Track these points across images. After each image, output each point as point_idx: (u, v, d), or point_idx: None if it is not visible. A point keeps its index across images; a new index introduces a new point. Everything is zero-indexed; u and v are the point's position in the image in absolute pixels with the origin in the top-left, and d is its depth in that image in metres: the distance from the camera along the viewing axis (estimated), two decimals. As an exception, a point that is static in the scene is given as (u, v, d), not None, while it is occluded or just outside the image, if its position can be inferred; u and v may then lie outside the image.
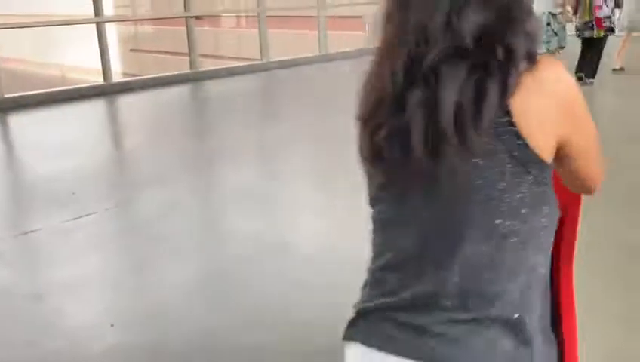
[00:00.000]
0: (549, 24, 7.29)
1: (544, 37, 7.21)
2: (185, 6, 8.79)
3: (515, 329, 0.93)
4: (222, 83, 8.83)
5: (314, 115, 6.54)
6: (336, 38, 13.03)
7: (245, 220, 3.72)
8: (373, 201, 1.04)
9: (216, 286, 2.92)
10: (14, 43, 16.23)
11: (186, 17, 8.85)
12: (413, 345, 0.93)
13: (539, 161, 0.90)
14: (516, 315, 0.93)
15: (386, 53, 0.96)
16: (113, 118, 7.59)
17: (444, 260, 0.93)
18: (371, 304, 1.00)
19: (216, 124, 6.51)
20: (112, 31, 22.34)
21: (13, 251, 3.41)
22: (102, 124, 7.00)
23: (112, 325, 2.46)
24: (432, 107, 0.88)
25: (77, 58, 19.78)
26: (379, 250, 1.02)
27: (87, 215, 3.79)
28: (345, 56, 11.04)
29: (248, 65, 10.06)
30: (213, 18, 20.68)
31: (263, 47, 9.72)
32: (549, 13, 7.24)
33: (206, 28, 20.90)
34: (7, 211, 4.14)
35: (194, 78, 8.85)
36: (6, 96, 7.13)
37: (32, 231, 3.62)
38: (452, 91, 0.87)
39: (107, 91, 7.91)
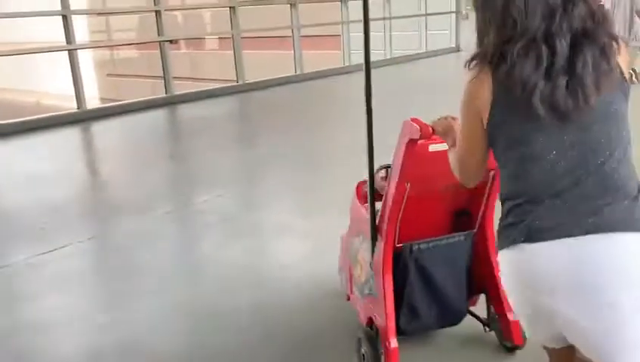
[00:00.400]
0: None
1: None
2: (158, 30, 8.75)
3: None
4: (198, 106, 8.78)
5: (288, 138, 6.52)
6: (313, 57, 13.10)
7: (221, 248, 3.66)
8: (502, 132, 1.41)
9: (190, 320, 2.85)
10: (-13, 72, 16.03)
11: (160, 41, 8.81)
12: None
13: (628, 94, 1.39)
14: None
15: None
16: (87, 145, 7.48)
17: (596, 169, 1.34)
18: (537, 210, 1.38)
19: (191, 148, 6.45)
20: (88, 56, 22.26)
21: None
22: (75, 153, 6.89)
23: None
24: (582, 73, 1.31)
25: (52, 85, 19.62)
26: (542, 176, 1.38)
27: (60, 248, 3.70)
28: (320, 75, 11.11)
29: (224, 87, 10.02)
30: (190, 40, 20.64)
31: (239, 69, 9.71)
32: None
33: (183, 51, 20.90)
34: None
35: (170, 102, 8.79)
36: (-25, 125, 6.99)
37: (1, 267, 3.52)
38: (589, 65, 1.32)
39: (81, 118, 7.81)
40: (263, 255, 3.60)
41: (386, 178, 2.25)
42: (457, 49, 13.89)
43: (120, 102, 9.13)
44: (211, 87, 10.01)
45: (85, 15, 18.01)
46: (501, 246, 1.45)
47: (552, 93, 1.31)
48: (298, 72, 10.74)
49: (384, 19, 12.81)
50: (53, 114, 8.44)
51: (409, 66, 12.31)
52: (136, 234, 3.96)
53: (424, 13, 13.74)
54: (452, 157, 1.61)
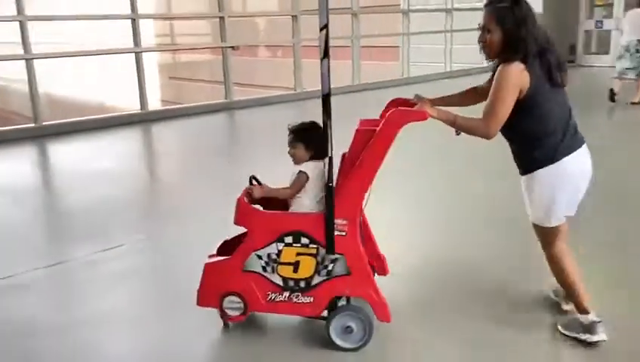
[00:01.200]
0: (637, 51, 8.18)
1: (634, 63, 8.18)
2: (221, 36, 8.91)
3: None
4: (255, 112, 8.88)
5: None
6: (370, 68, 13.05)
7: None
8: (536, 100, 2.41)
9: (244, 328, 2.83)
10: (57, 71, 16.74)
11: (222, 47, 8.96)
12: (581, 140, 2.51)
13: None
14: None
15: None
16: (148, 146, 7.66)
17: (572, 116, 2.50)
18: (565, 143, 2.45)
19: (247, 152, 6.51)
20: (153, 59, 22.93)
21: (41, 282, 3.39)
22: (136, 153, 7.07)
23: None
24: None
25: (117, 86, 20.32)
26: (558, 118, 2.48)
27: (118, 246, 3.77)
28: (378, 86, 11.05)
29: (282, 94, 10.11)
30: (252, 47, 20.96)
31: (297, 77, 9.77)
32: (637, 40, 8.17)
33: (245, 57, 21.24)
34: (38, 241, 4.15)
35: (228, 107, 8.93)
36: (45, 123, 7.28)
37: (60, 263, 3.61)
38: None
39: (143, 119, 8.03)
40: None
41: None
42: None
43: (181, 106, 9.35)
44: (269, 95, 10.11)
45: (151, 20, 18.56)
46: (544, 164, 2.46)
47: (556, 77, 2.44)
48: (356, 82, 10.73)
49: (445, 32, 12.65)
50: (117, 114, 8.74)
51: (468, 80, 12.08)
52: (191, 237, 3.99)
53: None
54: (472, 123, 2.44)
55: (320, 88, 2.47)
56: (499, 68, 2.39)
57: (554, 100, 2.43)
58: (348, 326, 2.52)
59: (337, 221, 2.43)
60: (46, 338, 2.77)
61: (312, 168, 2.62)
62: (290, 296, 2.53)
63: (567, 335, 2.56)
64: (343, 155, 2.56)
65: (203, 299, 2.65)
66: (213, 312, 2.69)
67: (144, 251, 3.82)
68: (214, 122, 8.44)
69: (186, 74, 22.57)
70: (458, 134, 2.52)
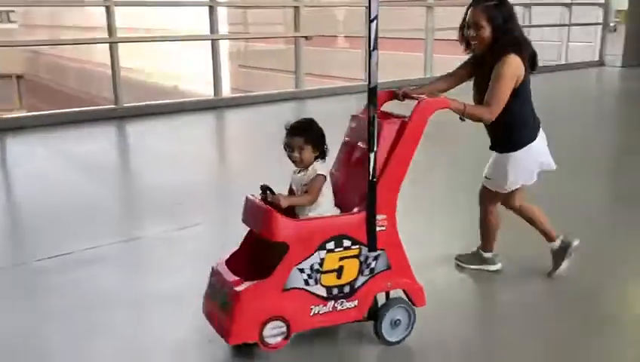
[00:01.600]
0: None
1: None
2: (295, 26, 8.98)
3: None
4: (325, 102, 8.92)
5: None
6: (444, 62, 12.79)
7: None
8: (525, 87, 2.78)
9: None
10: (137, 55, 17.38)
11: (296, 37, 9.04)
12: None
13: None
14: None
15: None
16: (220, 131, 7.86)
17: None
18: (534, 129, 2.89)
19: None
20: (223, 47, 23.39)
21: (118, 257, 3.55)
22: (210, 137, 7.26)
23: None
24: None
25: (190, 71, 20.90)
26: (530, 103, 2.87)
27: (191, 226, 3.90)
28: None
29: (353, 85, 10.10)
30: (323, 38, 20.99)
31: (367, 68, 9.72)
32: None
33: (315, 48, 21.34)
34: (116, 217, 4.34)
35: (298, 97, 9.00)
36: (125, 105, 7.58)
37: (137, 239, 3.77)
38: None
39: (217, 105, 8.22)
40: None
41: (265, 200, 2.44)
42: (601, 63, 12.97)
43: (252, 93, 9.51)
44: (339, 85, 10.13)
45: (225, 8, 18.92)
46: (520, 147, 2.84)
47: (534, 66, 2.81)
48: (428, 75, 10.58)
49: (523, 26, 12.24)
50: (191, 99, 8.99)
51: (546, 77, 11.69)
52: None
53: (568, 23, 12.97)
54: (480, 110, 2.71)
55: (388, 80, 2.50)
56: (502, 59, 2.66)
57: (530, 86, 2.81)
58: (397, 320, 2.51)
59: (377, 217, 2.38)
60: (115, 312, 2.89)
61: (325, 170, 2.55)
62: (334, 304, 2.39)
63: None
64: (346, 143, 2.64)
65: (238, 334, 2.29)
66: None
67: (218, 231, 3.93)
68: (284, 110, 8.53)
69: (256, 63, 22.90)
70: (463, 120, 2.66)
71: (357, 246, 2.37)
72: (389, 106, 2.75)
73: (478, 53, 2.80)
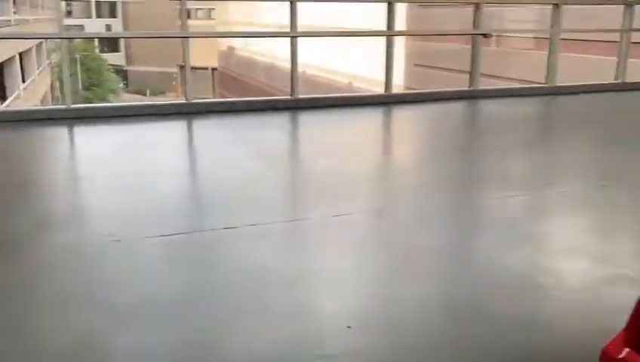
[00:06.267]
0: None
1: None
2: (474, 23, 8.71)
3: None
4: (500, 102, 8.56)
5: (590, 147, 5.91)
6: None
7: (500, 251, 3.50)
8: None
9: (455, 312, 2.79)
10: (312, 51, 18.18)
11: (473, 35, 8.76)
12: None
13: None
14: None
15: None
16: (387, 126, 7.90)
17: None
18: None
19: (484, 144, 6.32)
20: (400, 46, 23.51)
21: (277, 234, 3.75)
22: (376, 132, 7.36)
23: (348, 327, 2.52)
24: None
25: (363, 69, 21.32)
26: None
27: (348, 214, 4.00)
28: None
29: (531, 87, 9.56)
30: (499, 38, 20.12)
31: (550, 71, 9.12)
32: None
33: (491, 48, 20.56)
34: (283, 200, 4.59)
35: (471, 96, 8.73)
36: (299, 97, 7.97)
37: (298, 220, 3.96)
38: None
39: (386, 101, 8.28)
40: (547, 269, 3.32)
41: None
42: None
43: (421, 91, 9.43)
44: (516, 86, 9.65)
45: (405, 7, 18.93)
46: None
47: None
48: (619, 80, 9.63)
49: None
50: (361, 94, 9.16)
51: None
52: (420, 216, 4.04)
53: None
54: None
55: (574, 84, 2.22)
56: None
57: None
58: None
59: None
60: (274, 291, 3.05)
61: None
62: None
63: None
64: None
65: None
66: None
67: (374, 222, 3.98)
68: (454, 109, 8.34)
69: (432, 62, 22.64)
70: None
71: None
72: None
73: None
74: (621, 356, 1.75)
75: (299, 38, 7.80)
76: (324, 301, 2.91)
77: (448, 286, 3.06)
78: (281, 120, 7.51)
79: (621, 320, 2.59)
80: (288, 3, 7.68)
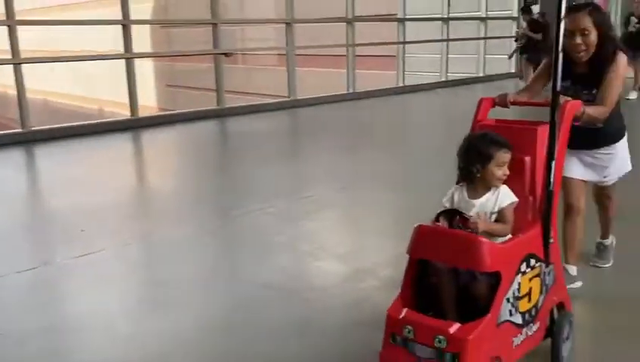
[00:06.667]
0: None
1: None
2: (214, 42, 8.85)
3: None
4: (248, 119, 8.82)
5: (329, 155, 6.43)
6: (367, 77, 12.99)
7: (255, 264, 3.55)
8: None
9: (218, 338, 2.73)
10: (49, 76, 16.70)
11: (215, 54, 8.90)
12: None
13: None
14: None
15: None
16: (136, 152, 7.57)
17: None
18: None
19: (235, 161, 6.44)
20: (149, 67, 22.91)
21: (18, 287, 3.30)
22: (123, 159, 6.97)
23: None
24: None
25: (113, 93, 20.32)
26: None
27: (97, 251, 3.68)
28: (373, 94, 10.99)
29: (275, 102, 10.05)
30: (247, 56, 20.90)
31: (291, 85, 9.71)
32: None
33: (240, 65, 21.25)
34: (17, 244, 4.05)
35: (220, 114, 8.85)
36: (33, 129, 7.20)
37: (36, 268, 3.52)
38: None
39: (133, 126, 7.94)
40: (297, 275, 3.45)
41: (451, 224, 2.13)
42: (519, 76, 13.47)
43: (170, 112, 9.28)
44: (262, 102, 10.05)
45: (149, 28, 18.54)
46: (624, 132, 2.95)
47: None
48: (351, 91, 10.67)
49: (442, 40, 12.61)
50: (106, 120, 8.65)
51: (463, 89, 12.05)
52: (172, 243, 3.91)
53: (484, 36, 13.43)
54: (599, 110, 2.64)
55: (312, 96, 2.36)
56: (615, 60, 2.67)
57: None
58: (568, 333, 2.36)
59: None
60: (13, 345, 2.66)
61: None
62: (526, 330, 2.15)
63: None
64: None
65: None
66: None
67: (123, 258, 3.73)
68: (205, 129, 8.35)
69: (184, 81, 22.56)
70: (577, 122, 2.47)
71: (539, 264, 2.19)
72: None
73: (580, 62, 2.72)
74: (401, 316, 2.02)
75: (25, 65, 7.07)
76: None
77: (210, 306, 2.99)
78: (12, 156, 6.70)
79: (365, 309, 2.82)
80: (6, 27, 6.90)
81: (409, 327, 1.98)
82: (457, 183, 2.28)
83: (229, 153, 7.08)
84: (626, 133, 2.97)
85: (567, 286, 2.60)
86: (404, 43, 12.03)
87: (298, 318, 2.85)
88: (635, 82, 9.62)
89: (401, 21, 12.09)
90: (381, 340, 2.07)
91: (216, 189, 5.32)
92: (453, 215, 2.14)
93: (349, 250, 3.79)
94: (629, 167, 3.02)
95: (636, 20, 9.25)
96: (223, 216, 4.53)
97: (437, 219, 2.14)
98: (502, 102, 2.60)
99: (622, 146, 2.96)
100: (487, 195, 2.19)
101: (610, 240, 3.30)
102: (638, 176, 3.16)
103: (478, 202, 2.18)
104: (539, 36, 10.28)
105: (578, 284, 2.90)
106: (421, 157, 6.21)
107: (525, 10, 10.81)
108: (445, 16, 12.61)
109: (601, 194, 3.16)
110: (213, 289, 3.27)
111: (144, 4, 20.97)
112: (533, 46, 10.31)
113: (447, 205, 2.22)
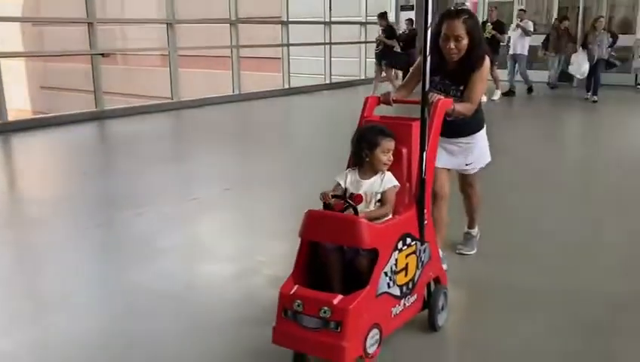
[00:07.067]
0: None
1: None
2: (90, 43, 8.48)
3: None
4: (129, 122, 8.54)
5: (215, 156, 6.42)
6: (253, 79, 13.01)
7: (142, 270, 3.48)
8: None
9: (101, 347, 2.66)
10: None
11: (92, 54, 8.53)
12: None
13: None
14: None
15: None
16: (5, 159, 7.05)
17: None
18: None
19: (116, 165, 6.24)
20: (20, 67, 21.40)
21: None
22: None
23: None
24: None
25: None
26: None
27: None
28: (259, 96, 11.06)
29: (158, 104, 9.81)
30: (130, 57, 20.17)
31: (174, 86, 9.53)
32: None
33: (121, 66, 20.44)
34: None
35: (100, 117, 8.50)
36: None
37: None
38: None
39: (2, 130, 7.42)
40: (172, 277, 3.41)
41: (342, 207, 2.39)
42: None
43: (44, 115, 8.78)
44: (144, 103, 9.78)
45: (19, 26, 17.31)
46: (484, 124, 3.26)
47: None
48: (236, 92, 10.66)
49: (324, 44, 12.93)
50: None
51: (348, 91, 12.44)
52: (38, 248, 3.73)
53: (364, 40, 13.94)
54: (466, 107, 2.94)
55: (197, 98, 2.41)
56: (482, 64, 2.96)
57: None
58: (443, 304, 2.67)
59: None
60: None
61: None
62: (404, 302, 2.43)
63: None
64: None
65: (352, 350, 2.14)
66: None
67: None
68: (81, 132, 7.97)
69: (61, 83, 21.31)
70: (449, 117, 2.77)
71: (414, 242, 2.45)
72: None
73: (451, 61, 3.00)
74: (292, 291, 2.22)
75: None
76: None
77: (82, 318, 2.89)
78: None
79: (252, 307, 2.87)
80: None
81: (298, 301, 2.18)
82: (348, 167, 2.56)
83: (109, 157, 6.81)
84: (485, 126, 3.27)
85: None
86: (288, 45, 12.19)
87: (184, 320, 2.84)
88: (495, 83, 10.38)
89: (285, 24, 12.23)
90: (271, 327, 2.23)
91: (95, 195, 5.11)
92: (343, 198, 2.41)
93: (234, 251, 3.81)
94: (489, 158, 3.34)
95: (491, 27, 10.03)
96: (103, 222, 4.37)
97: (328, 198, 2.39)
98: (386, 100, 2.85)
99: (481, 136, 3.27)
100: (375, 178, 2.47)
101: (476, 231, 3.60)
102: (499, 169, 3.47)
103: (367, 183, 2.47)
104: (393, 42, 10.63)
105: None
106: (305, 157, 6.36)
107: (381, 15, 10.94)
108: (327, 20, 12.94)
109: (464, 183, 3.44)
110: (94, 297, 3.17)
111: (14, 0, 19.58)
112: (390, 52, 10.65)
113: (341, 182, 2.50)
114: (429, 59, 2.51)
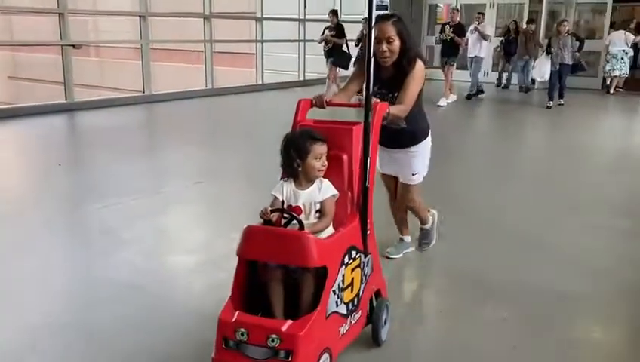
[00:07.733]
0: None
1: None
2: (61, 34, 8.38)
3: None
4: (99, 114, 8.47)
5: (186, 150, 6.43)
6: (230, 74, 12.96)
7: (105, 260, 3.50)
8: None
9: (58, 336, 2.68)
10: None
11: (62, 45, 8.43)
12: None
13: None
14: None
15: None
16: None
17: None
18: None
19: (84, 157, 6.19)
20: (-11, 57, 20.91)
21: None
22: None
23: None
24: None
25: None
26: None
27: None
28: (232, 91, 11.05)
29: (129, 97, 9.74)
30: (102, 48, 19.91)
31: (146, 79, 9.47)
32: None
33: (92, 58, 20.16)
34: None
35: (70, 109, 8.41)
36: None
37: None
38: None
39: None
40: (134, 269, 3.43)
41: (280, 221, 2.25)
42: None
43: (11, 106, 8.65)
44: (115, 96, 9.70)
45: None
46: (428, 132, 3.23)
47: None
48: (209, 87, 10.64)
49: (298, 41, 12.96)
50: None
51: (322, 88, 12.48)
52: (10, 242, 3.71)
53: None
54: (400, 108, 2.83)
55: (169, 91, 2.34)
56: (415, 66, 2.93)
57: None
58: (385, 318, 2.53)
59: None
60: None
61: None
62: (350, 319, 2.25)
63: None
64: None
65: None
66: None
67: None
68: (50, 124, 7.88)
69: (30, 73, 20.92)
70: (384, 121, 2.61)
71: (358, 255, 2.29)
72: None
73: (385, 69, 2.96)
74: (234, 319, 2.01)
75: None
76: None
77: (43, 307, 2.90)
78: None
79: (213, 301, 2.89)
80: None
81: (242, 330, 1.99)
82: (281, 178, 2.38)
83: (77, 150, 6.76)
84: (430, 134, 3.23)
85: (405, 251, 3.45)
86: (262, 41, 12.20)
87: (144, 310, 2.87)
88: (446, 87, 10.24)
89: (259, 20, 12.23)
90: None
91: (62, 186, 5.09)
92: (284, 211, 2.25)
93: (198, 244, 3.85)
94: (426, 171, 3.29)
95: (451, 29, 10.08)
96: (68, 213, 4.36)
97: (268, 214, 2.21)
98: (319, 102, 2.72)
99: (426, 144, 3.23)
100: (313, 187, 2.30)
101: (430, 221, 3.58)
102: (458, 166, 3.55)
103: (305, 193, 2.30)
104: (342, 41, 10.20)
105: (412, 248, 3.59)
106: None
107: (333, 12, 10.58)
108: (302, 17, 12.97)
109: (406, 198, 3.36)
110: (54, 286, 3.17)
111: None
112: (338, 50, 10.28)
113: (278, 195, 2.33)
114: (372, 61, 2.33)
